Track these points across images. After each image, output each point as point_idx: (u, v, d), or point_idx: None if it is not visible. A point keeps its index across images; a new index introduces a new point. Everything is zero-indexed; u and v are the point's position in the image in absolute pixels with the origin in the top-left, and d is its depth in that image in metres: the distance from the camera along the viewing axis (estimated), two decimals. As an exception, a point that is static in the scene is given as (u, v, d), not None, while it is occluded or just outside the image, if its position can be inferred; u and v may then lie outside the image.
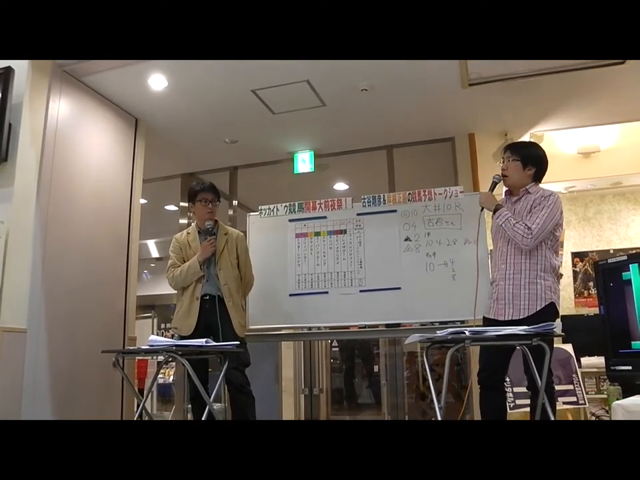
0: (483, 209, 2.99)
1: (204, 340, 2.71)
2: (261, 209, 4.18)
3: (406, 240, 3.84)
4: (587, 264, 5.71)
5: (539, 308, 2.72)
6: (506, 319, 2.78)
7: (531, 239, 2.72)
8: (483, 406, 2.85)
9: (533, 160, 2.91)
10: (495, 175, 3.06)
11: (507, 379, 3.99)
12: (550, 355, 2.33)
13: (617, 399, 3.36)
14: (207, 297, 3.26)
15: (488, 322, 2.84)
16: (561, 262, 2.88)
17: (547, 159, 2.96)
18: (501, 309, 2.82)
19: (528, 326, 2.31)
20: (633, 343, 3.18)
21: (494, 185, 3.01)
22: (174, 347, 2.61)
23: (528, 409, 3.64)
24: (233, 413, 3.25)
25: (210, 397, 2.75)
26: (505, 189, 3.03)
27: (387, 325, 3.95)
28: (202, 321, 3.23)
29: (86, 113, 3.75)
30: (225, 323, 3.19)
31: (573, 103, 4.15)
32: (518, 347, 2.55)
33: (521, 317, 2.73)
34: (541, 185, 2.91)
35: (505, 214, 2.83)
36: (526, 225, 2.74)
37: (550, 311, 2.72)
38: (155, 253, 7.90)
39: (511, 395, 3.93)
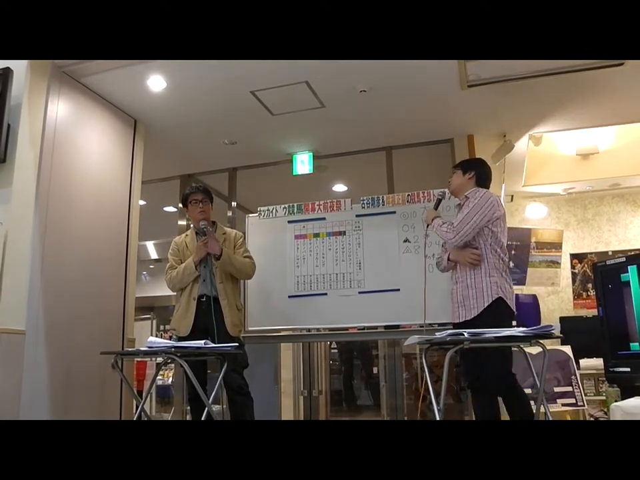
0: (428, 225, 3.10)
1: (202, 341, 2.71)
2: (260, 210, 4.18)
3: (405, 241, 3.84)
4: (586, 265, 5.71)
5: (485, 305, 2.78)
6: (460, 320, 2.87)
7: (452, 232, 2.85)
8: (475, 408, 2.88)
9: (471, 165, 3.09)
10: (439, 192, 3.29)
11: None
12: (547, 356, 2.34)
13: (616, 401, 3.36)
14: (204, 298, 3.27)
15: (453, 326, 2.90)
16: (504, 257, 2.91)
17: (486, 165, 3.12)
18: (455, 312, 2.93)
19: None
20: (631, 344, 3.18)
21: (438, 202, 3.18)
22: (173, 349, 2.61)
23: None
24: (231, 415, 3.25)
25: (209, 399, 2.74)
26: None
27: (386, 327, 3.94)
28: (198, 322, 3.23)
29: (85, 114, 3.75)
30: (220, 324, 3.20)
31: (572, 104, 4.15)
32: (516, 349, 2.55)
33: (471, 317, 2.81)
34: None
35: (435, 222, 2.99)
36: (450, 222, 2.89)
37: (498, 306, 2.77)
38: (153, 255, 7.90)
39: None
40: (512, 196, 5.83)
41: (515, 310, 2.86)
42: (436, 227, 2.97)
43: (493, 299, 2.77)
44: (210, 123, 4.46)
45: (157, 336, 7.31)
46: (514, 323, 2.88)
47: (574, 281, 5.76)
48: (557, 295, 5.73)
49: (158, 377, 5.90)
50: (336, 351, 6.87)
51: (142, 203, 4.39)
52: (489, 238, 2.85)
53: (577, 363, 4.36)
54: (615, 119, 4.47)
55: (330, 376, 6.31)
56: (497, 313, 2.73)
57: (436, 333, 2.32)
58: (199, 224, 3.35)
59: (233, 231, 3.57)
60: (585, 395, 4.27)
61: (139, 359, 5.11)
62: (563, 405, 4.05)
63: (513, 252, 4.84)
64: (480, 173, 3.04)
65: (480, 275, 2.83)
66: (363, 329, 4.09)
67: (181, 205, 4.45)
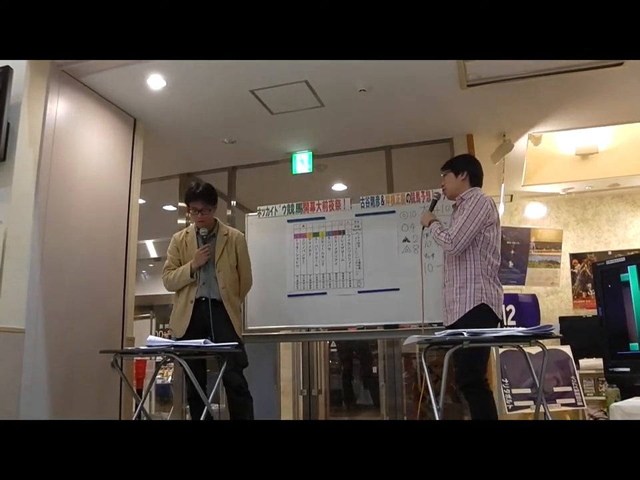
0: (424, 227, 3.09)
1: (202, 340, 2.70)
2: (259, 210, 4.18)
3: (404, 241, 3.84)
4: (585, 265, 5.72)
5: (466, 311, 2.78)
6: (448, 324, 2.86)
7: (450, 243, 2.81)
8: (471, 409, 2.89)
9: (462, 165, 3.03)
10: (434, 192, 3.25)
11: (505, 380, 3.99)
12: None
13: (615, 401, 3.37)
14: (202, 300, 3.24)
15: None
16: (495, 262, 2.88)
17: (477, 161, 3.08)
18: (444, 316, 2.93)
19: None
20: (631, 344, 3.18)
21: (433, 203, 3.15)
22: (172, 348, 2.60)
23: (527, 411, 3.64)
24: (231, 414, 3.24)
25: (208, 398, 2.74)
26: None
27: (386, 326, 3.94)
28: (195, 324, 3.20)
29: (84, 113, 3.75)
30: (218, 327, 3.15)
31: (572, 104, 4.15)
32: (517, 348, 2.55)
33: (452, 322, 2.82)
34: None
35: (432, 227, 2.95)
36: (447, 231, 2.85)
37: (480, 311, 2.76)
38: (153, 253, 7.90)
39: (509, 396, 3.93)
40: (511, 196, 5.84)
41: (500, 316, 2.84)
42: (433, 233, 2.94)
43: (475, 305, 2.76)
44: (209, 122, 4.46)
45: (156, 335, 7.32)
46: (513, 323, 2.88)
47: (573, 281, 5.77)
48: (556, 295, 5.74)
49: (157, 376, 5.91)
50: (335, 350, 6.87)
51: (141, 201, 4.39)
52: (479, 243, 2.82)
53: (577, 362, 4.36)
54: (614, 118, 4.47)
55: (329, 375, 6.31)
56: (477, 319, 2.70)
57: (435, 333, 2.32)
58: (199, 229, 3.32)
59: (235, 231, 3.49)
60: (585, 395, 4.28)
61: (138, 358, 5.11)
62: (563, 404, 4.05)
63: (512, 252, 4.85)
64: (472, 172, 2.99)
65: (466, 281, 2.82)
66: (363, 328, 4.09)
67: (184, 203, 4.43)
